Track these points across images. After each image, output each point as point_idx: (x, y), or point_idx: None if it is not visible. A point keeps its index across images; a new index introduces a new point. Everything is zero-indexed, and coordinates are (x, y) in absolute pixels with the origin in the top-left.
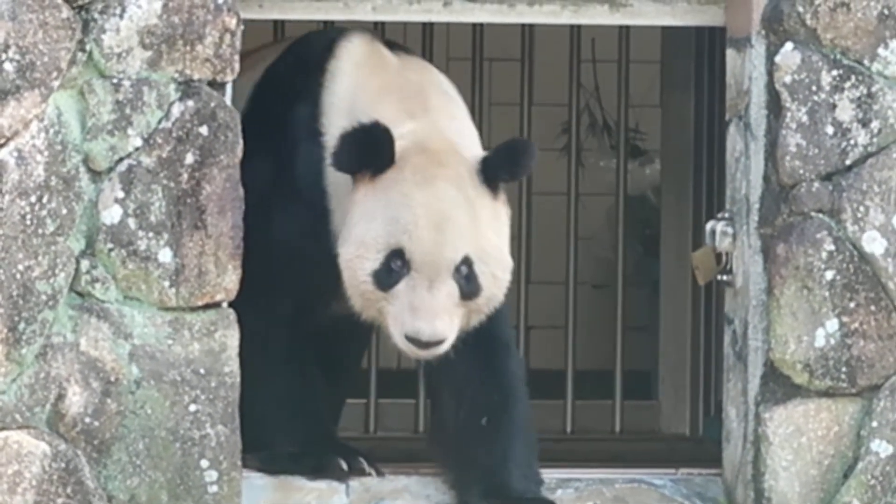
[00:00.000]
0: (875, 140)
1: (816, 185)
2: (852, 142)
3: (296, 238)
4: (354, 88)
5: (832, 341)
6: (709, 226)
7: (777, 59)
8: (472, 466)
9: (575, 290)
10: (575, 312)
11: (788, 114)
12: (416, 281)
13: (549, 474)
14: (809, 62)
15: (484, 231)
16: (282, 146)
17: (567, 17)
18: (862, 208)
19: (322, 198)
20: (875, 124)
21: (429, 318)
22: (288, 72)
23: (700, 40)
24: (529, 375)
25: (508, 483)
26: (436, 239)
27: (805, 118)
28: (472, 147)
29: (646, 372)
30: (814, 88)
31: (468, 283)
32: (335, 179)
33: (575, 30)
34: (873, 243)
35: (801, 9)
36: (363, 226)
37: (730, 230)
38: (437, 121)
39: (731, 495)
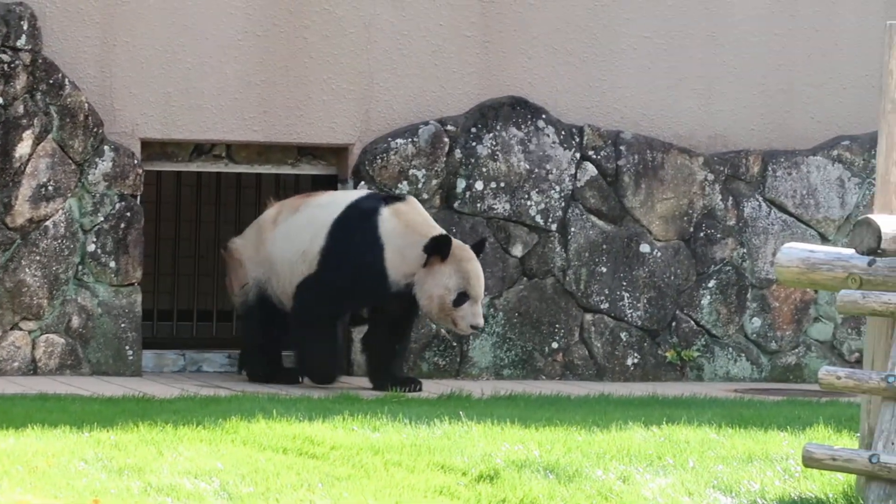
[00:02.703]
0: None
1: None
2: None
3: (362, 283)
4: (395, 224)
5: None
6: None
7: (357, 188)
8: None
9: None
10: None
11: None
12: (473, 303)
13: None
14: (372, 189)
15: None
16: (357, 250)
17: (275, 170)
18: None
19: (383, 269)
20: None
21: (481, 319)
22: (353, 220)
23: (330, 180)
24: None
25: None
26: (480, 286)
27: None
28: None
29: None
30: (373, 200)
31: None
32: (391, 261)
33: (275, 175)
34: None
35: (367, 167)
36: (444, 280)
37: None
38: (442, 231)
39: None
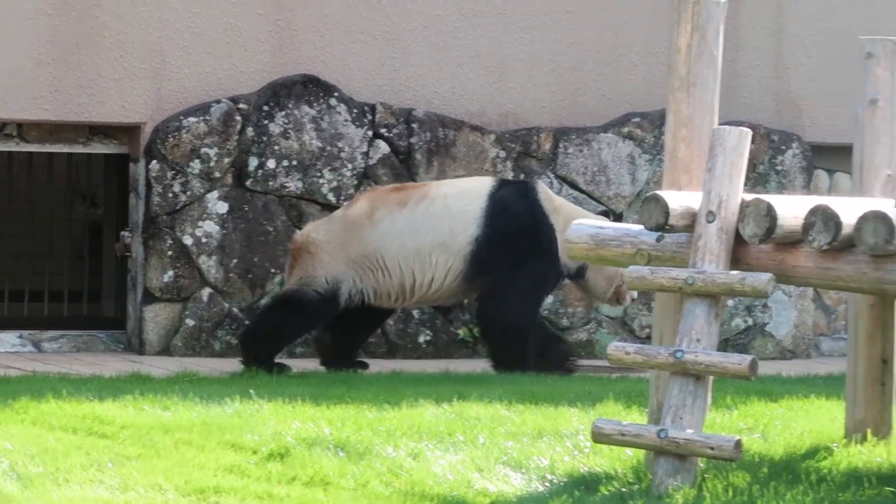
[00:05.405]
0: (187, 196)
1: (165, 216)
2: (193, 191)
3: (545, 271)
4: (559, 206)
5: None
6: (123, 233)
7: (149, 166)
8: None
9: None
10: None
11: (155, 188)
12: None
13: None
14: (164, 168)
15: None
16: (526, 237)
17: (67, 150)
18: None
19: (556, 254)
20: (181, 191)
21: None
22: (510, 203)
23: (122, 159)
24: None
25: None
26: None
27: (160, 190)
28: None
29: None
30: (167, 178)
31: None
32: (561, 246)
33: (68, 154)
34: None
35: (159, 145)
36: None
37: (128, 234)
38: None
39: (130, 340)
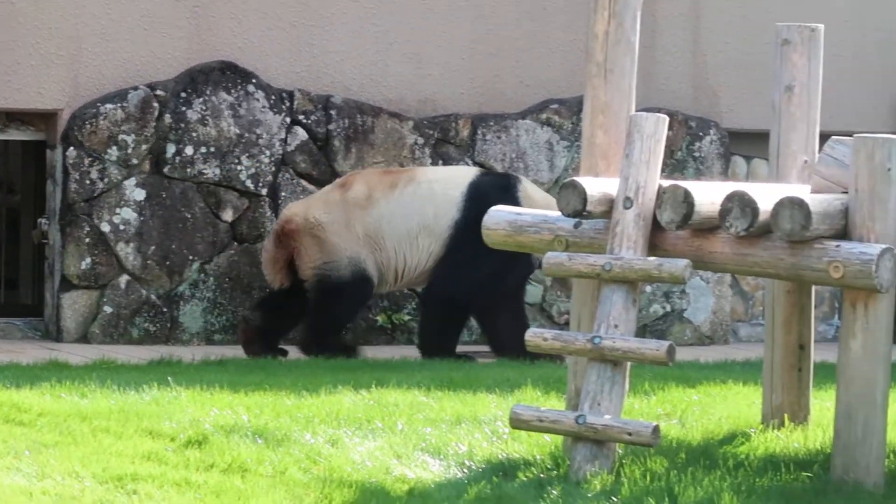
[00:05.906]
0: (105, 183)
1: (82, 203)
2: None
3: (508, 260)
4: (533, 199)
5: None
6: (40, 220)
7: (66, 153)
8: None
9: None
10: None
11: (72, 175)
12: None
13: None
14: (81, 155)
15: None
16: None
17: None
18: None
19: None
20: (98, 178)
21: None
22: (490, 192)
23: (39, 146)
24: None
25: None
26: None
27: (77, 177)
28: None
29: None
30: (84, 165)
31: None
32: None
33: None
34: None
35: (76, 132)
36: None
37: (45, 221)
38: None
39: (48, 327)
